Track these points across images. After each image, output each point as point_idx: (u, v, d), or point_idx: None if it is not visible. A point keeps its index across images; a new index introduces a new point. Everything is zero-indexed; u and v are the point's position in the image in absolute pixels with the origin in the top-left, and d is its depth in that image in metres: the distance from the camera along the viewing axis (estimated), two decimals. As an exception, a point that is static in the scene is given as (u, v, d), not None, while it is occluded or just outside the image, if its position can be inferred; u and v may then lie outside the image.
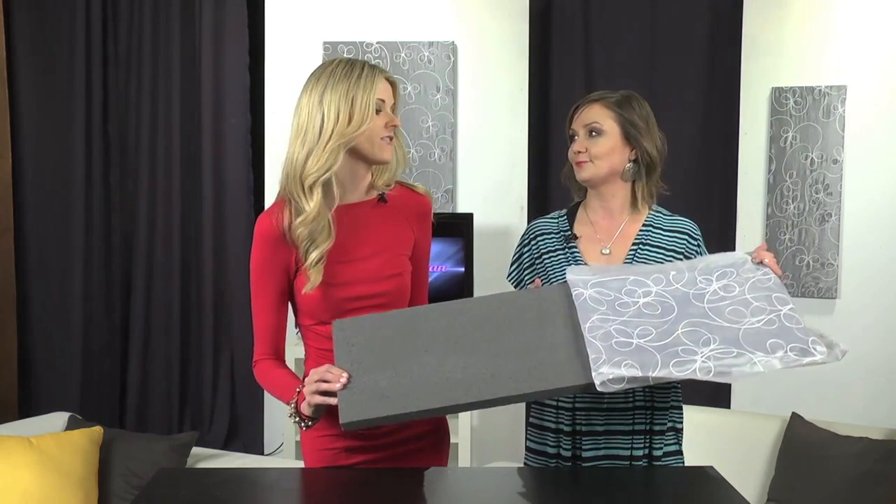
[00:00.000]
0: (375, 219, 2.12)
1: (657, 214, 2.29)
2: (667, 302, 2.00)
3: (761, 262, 2.06)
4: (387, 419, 1.88)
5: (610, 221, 2.28)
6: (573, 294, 2.01)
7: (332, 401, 1.88)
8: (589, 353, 1.89)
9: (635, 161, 2.25)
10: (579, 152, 2.23)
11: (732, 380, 1.90)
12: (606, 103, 2.23)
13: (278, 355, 2.14)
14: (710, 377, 1.87)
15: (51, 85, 4.87)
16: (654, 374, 1.86)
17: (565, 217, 2.32)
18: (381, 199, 2.13)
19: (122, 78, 4.98)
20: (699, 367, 1.86)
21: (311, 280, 2.02)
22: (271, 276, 2.09)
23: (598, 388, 1.85)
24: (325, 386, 1.88)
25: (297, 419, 1.99)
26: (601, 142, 2.22)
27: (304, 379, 2.01)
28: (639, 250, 2.23)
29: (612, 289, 2.02)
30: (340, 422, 1.86)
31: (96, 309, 4.93)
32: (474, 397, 1.89)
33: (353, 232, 2.08)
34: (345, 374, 1.88)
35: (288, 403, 2.01)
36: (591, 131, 2.22)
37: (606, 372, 1.85)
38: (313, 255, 2.01)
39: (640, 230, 2.26)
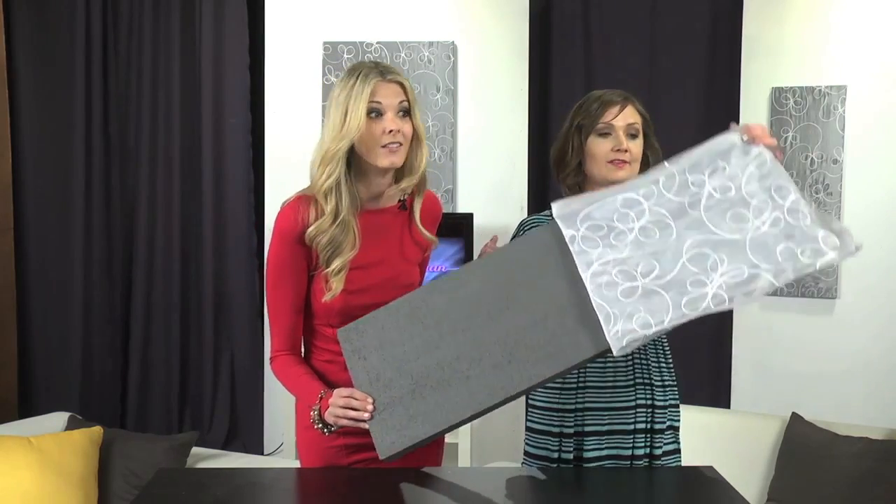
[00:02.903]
0: (396, 226, 2.13)
1: None
2: (663, 220, 1.90)
3: (753, 140, 1.92)
4: (423, 441, 1.89)
5: None
6: (566, 237, 1.92)
7: (363, 425, 1.91)
8: (598, 316, 1.83)
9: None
10: (625, 151, 2.18)
11: (750, 302, 1.83)
12: (637, 106, 2.23)
13: (295, 350, 2.13)
14: (725, 306, 1.80)
15: (51, 85, 4.87)
16: (668, 321, 1.80)
17: None
18: (403, 206, 2.13)
19: (122, 78, 4.98)
20: (712, 299, 1.79)
21: (333, 289, 2.02)
22: (292, 274, 2.06)
23: (617, 354, 1.81)
24: (353, 413, 1.91)
25: (321, 425, 2.00)
26: (638, 144, 2.21)
27: (322, 381, 2.04)
28: None
29: (604, 217, 1.92)
30: (380, 457, 1.89)
31: (96, 309, 4.93)
32: (500, 396, 1.87)
33: (374, 239, 2.08)
34: (370, 401, 1.90)
35: (311, 409, 2.01)
36: (631, 133, 2.20)
37: (621, 333, 1.79)
38: (336, 264, 2.01)
39: None
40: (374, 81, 2.00)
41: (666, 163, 1.96)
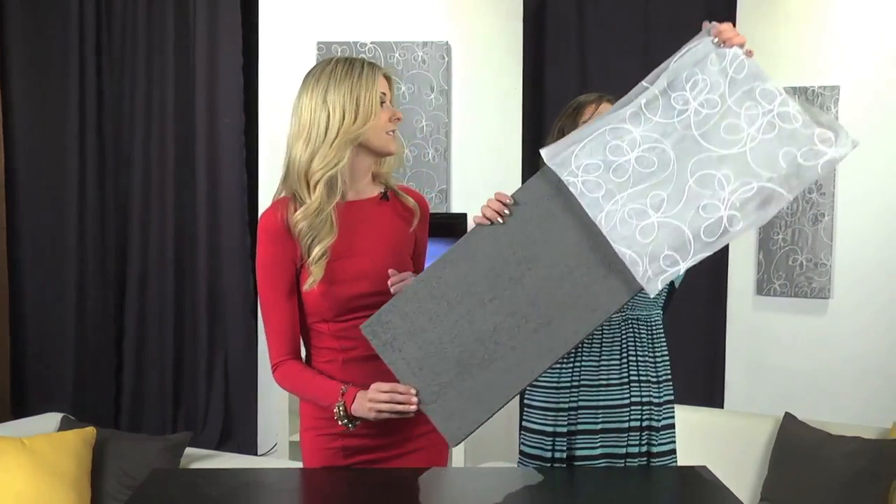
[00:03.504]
0: (379, 216, 2.13)
1: None
2: (658, 147, 1.88)
3: (724, 42, 1.90)
4: (488, 419, 1.92)
5: None
6: (567, 184, 1.89)
7: (409, 415, 1.96)
8: (626, 263, 1.83)
9: None
10: None
11: (765, 221, 1.81)
12: (614, 103, 2.25)
13: (296, 354, 2.12)
14: (741, 227, 1.80)
15: (44, 85, 4.85)
16: (692, 253, 1.81)
17: None
18: (384, 197, 2.15)
19: (115, 78, 4.97)
20: (728, 222, 1.80)
21: (313, 275, 2.02)
22: (280, 271, 2.07)
23: (652, 295, 1.85)
24: (399, 407, 1.95)
25: (346, 421, 2.01)
26: None
27: (338, 380, 2.04)
28: None
29: (596, 152, 1.89)
30: (451, 445, 1.93)
31: (90, 309, 4.92)
32: (550, 360, 1.88)
33: (357, 228, 2.09)
34: (413, 391, 1.94)
35: (333, 406, 2.02)
36: None
37: (652, 274, 1.81)
38: (316, 251, 2.02)
39: None
40: (379, 73, 2.07)
41: (644, 82, 1.94)
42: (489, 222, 1.96)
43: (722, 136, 1.85)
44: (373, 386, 1.98)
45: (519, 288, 1.90)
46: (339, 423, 2.01)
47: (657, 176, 1.86)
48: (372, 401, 1.96)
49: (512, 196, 1.97)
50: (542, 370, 1.89)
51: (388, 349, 1.96)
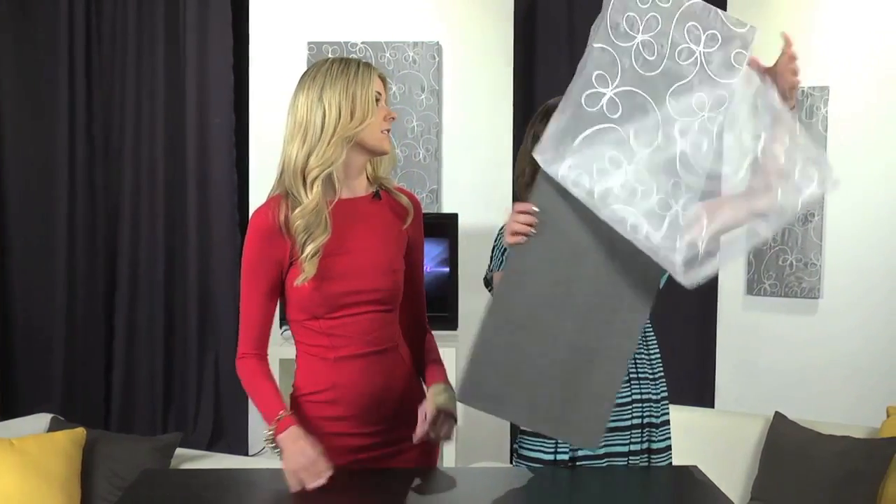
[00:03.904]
0: (372, 214, 2.14)
1: None
2: (646, 173, 1.93)
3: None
4: (611, 409, 1.99)
5: None
6: (572, 192, 1.93)
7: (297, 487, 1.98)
8: (662, 257, 1.89)
9: None
10: None
11: (741, 255, 1.90)
12: None
13: (262, 352, 2.14)
14: (717, 261, 1.87)
15: (35, 86, 4.84)
16: (678, 265, 1.88)
17: None
18: (376, 195, 2.15)
19: (106, 78, 4.96)
20: (703, 254, 1.86)
21: (305, 272, 2.02)
22: (264, 269, 2.08)
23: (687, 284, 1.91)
24: (302, 475, 1.96)
25: (273, 445, 2.02)
26: None
27: (293, 384, 2.06)
28: None
29: (587, 168, 1.93)
30: (595, 449, 2.04)
31: (80, 309, 4.90)
32: (639, 331, 1.97)
33: (350, 226, 2.09)
34: (327, 476, 1.96)
35: (268, 425, 2.03)
36: None
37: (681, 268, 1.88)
38: (309, 249, 2.02)
39: None
40: (374, 73, 2.08)
41: (650, 100, 1.96)
42: (524, 237, 1.98)
43: (707, 173, 1.91)
44: (306, 445, 1.98)
45: (581, 283, 1.94)
46: (266, 444, 2.03)
47: (643, 202, 1.90)
48: (292, 455, 1.97)
49: (531, 202, 1.99)
50: (635, 345, 1.97)
51: (495, 405, 1.98)
